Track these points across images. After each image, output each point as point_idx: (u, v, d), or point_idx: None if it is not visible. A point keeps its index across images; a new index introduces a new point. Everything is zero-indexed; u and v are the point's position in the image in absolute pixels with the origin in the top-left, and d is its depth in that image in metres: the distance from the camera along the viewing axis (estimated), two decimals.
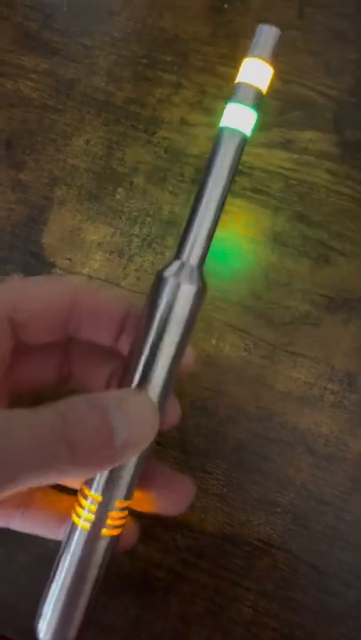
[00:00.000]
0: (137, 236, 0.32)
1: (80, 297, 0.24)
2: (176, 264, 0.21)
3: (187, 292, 0.21)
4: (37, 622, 0.22)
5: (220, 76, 0.33)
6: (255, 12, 0.33)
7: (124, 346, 0.25)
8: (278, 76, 0.32)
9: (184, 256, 0.21)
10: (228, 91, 0.32)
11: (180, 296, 0.21)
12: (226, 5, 0.33)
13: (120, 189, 0.32)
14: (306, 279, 0.30)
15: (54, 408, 0.19)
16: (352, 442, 0.29)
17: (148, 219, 0.32)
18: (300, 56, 0.32)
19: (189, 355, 0.25)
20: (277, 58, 0.22)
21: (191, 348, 0.24)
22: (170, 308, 0.21)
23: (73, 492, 0.24)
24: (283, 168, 0.31)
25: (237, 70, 0.33)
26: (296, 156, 0.31)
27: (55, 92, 0.33)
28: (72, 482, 0.25)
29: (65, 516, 0.24)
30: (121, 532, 0.22)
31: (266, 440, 0.29)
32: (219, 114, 0.32)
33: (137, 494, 0.23)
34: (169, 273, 0.21)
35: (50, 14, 0.34)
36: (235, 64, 0.32)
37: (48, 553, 0.29)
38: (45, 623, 0.22)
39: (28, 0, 0.34)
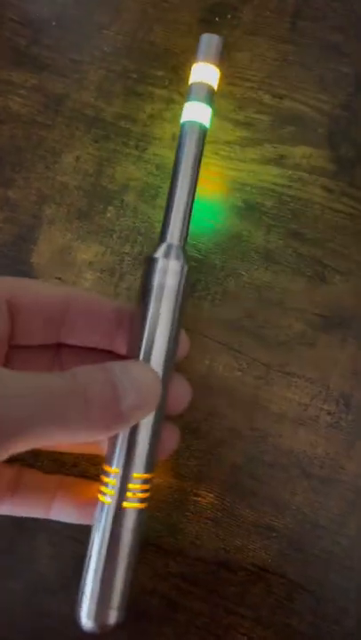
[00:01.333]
0: (128, 254, 0.31)
1: (74, 299, 0.26)
2: (163, 246, 0.25)
3: (175, 267, 0.24)
4: (78, 609, 0.23)
5: None
6: (246, 24, 0.33)
7: (119, 346, 0.26)
8: (270, 90, 0.32)
9: (168, 238, 0.25)
10: (219, 105, 0.32)
11: (169, 271, 0.24)
12: (217, 19, 0.33)
13: (111, 207, 0.32)
14: (300, 298, 0.30)
15: (64, 372, 0.20)
16: (348, 463, 0.29)
17: (140, 237, 0.31)
18: (292, 70, 0.32)
19: (184, 340, 0.27)
20: (223, 61, 0.27)
21: (184, 334, 0.27)
22: (162, 282, 0.24)
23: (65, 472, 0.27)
24: (276, 184, 0.31)
25: (228, 83, 0.33)
26: (289, 172, 0.31)
27: (44, 108, 0.33)
28: (69, 447, 0.28)
29: (53, 496, 0.26)
30: (146, 506, 0.24)
31: (261, 463, 0.29)
32: (210, 129, 0.32)
33: None
34: (158, 254, 0.25)
35: (38, 29, 0.34)
36: (226, 78, 0.33)
37: (41, 579, 0.29)
38: (85, 608, 0.23)
39: (16, 15, 0.34)
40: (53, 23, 0.34)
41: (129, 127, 0.33)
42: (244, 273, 0.31)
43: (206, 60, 0.26)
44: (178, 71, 0.33)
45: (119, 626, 0.24)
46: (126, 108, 0.33)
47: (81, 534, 0.29)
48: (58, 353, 0.27)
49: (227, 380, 0.30)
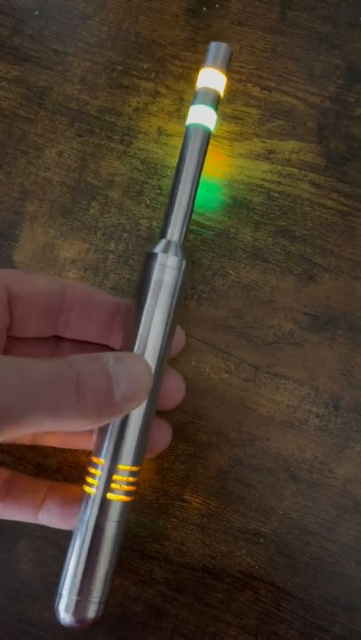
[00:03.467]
0: (113, 252, 0.31)
1: (71, 291, 0.26)
2: (162, 242, 0.26)
3: (173, 262, 0.25)
4: (57, 602, 0.23)
5: None
6: (234, 15, 0.33)
7: (115, 340, 0.27)
8: (259, 83, 0.32)
9: (168, 235, 0.26)
10: None
11: (168, 266, 0.25)
12: (205, 9, 0.33)
13: (95, 203, 0.32)
14: (289, 297, 0.30)
15: (57, 359, 0.21)
16: (337, 467, 0.28)
17: (125, 234, 0.31)
18: (281, 61, 0.32)
19: (179, 334, 0.27)
20: (229, 69, 0.28)
21: (180, 327, 0.28)
22: (160, 278, 0.25)
23: (48, 477, 0.27)
24: (264, 180, 0.31)
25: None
26: (279, 167, 0.31)
27: (26, 101, 0.33)
28: (60, 439, 0.28)
29: (42, 501, 0.26)
30: (131, 499, 0.24)
31: (248, 467, 0.29)
32: None
33: None
34: (157, 249, 0.25)
35: (20, 19, 0.34)
36: None
37: (21, 584, 0.29)
38: (64, 601, 0.23)
39: None
40: (36, 12, 0.34)
41: (114, 121, 0.32)
42: (231, 271, 0.30)
43: (214, 66, 0.28)
44: (164, 63, 0.33)
45: (99, 624, 0.24)
46: (111, 101, 0.33)
47: (63, 539, 0.29)
48: (57, 347, 0.27)
49: (214, 382, 0.30)
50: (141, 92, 0.33)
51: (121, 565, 0.29)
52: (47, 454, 0.30)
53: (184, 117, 0.32)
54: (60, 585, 0.24)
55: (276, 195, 0.31)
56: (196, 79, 0.32)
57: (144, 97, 0.32)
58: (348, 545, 0.28)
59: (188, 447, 0.29)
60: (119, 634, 0.28)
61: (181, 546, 0.29)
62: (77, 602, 0.23)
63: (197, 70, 0.32)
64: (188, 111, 0.32)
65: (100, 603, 0.23)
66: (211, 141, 0.32)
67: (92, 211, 0.32)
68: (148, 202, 0.31)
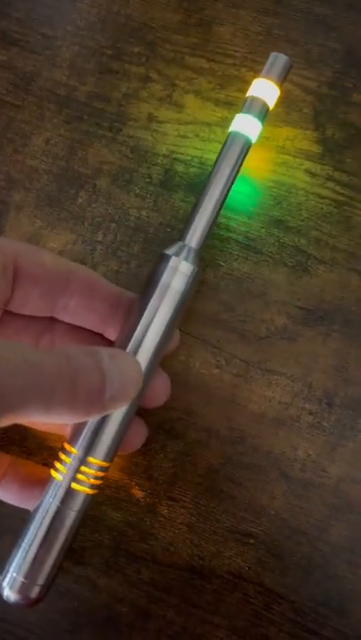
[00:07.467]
0: (101, 243, 0.31)
1: (76, 275, 0.26)
2: (178, 245, 0.26)
3: (185, 268, 0.25)
4: (2, 579, 0.25)
5: (190, 67, 0.32)
6: None
7: (112, 332, 0.27)
8: (253, 67, 0.32)
9: (186, 239, 0.26)
10: (198, 84, 0.32)
11: (178, 271, 0.25)
12: None
13: (82, 193, 0.32)
14: (282, 290, 0.30)
15: (55, 351, 0.21)
16: (330, 466, 0.28)
17: (113, 224, 0.31)
18: (276, 45, 0.32)
19: (174, 336, 0.27)
20: (284, 83, 0.28)
21: (177, 330, 0.28)
22: (168, 281, 0.25)
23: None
24: (257, 168, 0.31)
25: (209, 60, 0.32)
26: (272, 154, 0.31)
27: (13, 87, 0.33)
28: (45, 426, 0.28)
29: (2, 474, 0.27)
30: (94, 495, 0.25)
31: (238, 465, 0.29)
32: (189, 109, 0.32)
33: None
34: (171, 251, 0.25)
35: (7, 2, 0.34)
36: (206, 54, 0.32)
37: None
38: (9, 580, 0.24)
39: None
40: None
41: (103, 107, 0.32)
42: (222, 263, 0.30)
43: (268, 77, 0.27)
44: (155, 47, 0.32)
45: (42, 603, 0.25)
46: (100, 86, 0.32)
47: None
48: (50, 327, 0.27)
49: (204, 378, 0.30)
50: (131, 78, 0.32)
51: (107, 565, 0.29)
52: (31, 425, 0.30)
53: (175, 103, 0.32)
54: (9, 562, 0.25)
55: (271, 184, 0.31)
56: (188, 64, 0.32)
57: (134, 82, 0.32)
58: (341, 546, 0.28)
59: (176, 444, 0.29)
60: (105, 634, 0.29)
61: (169, 545, 0.29)
62: (22, 583, 0.24)
63: (190, 55, 0.32)
64: (180, 97, 0.32)
65: (44, 586, 0.25)
66: (203, 128, 0.32)
67: (80, 200, 0.32)
68: (138, 191, 0.31)
